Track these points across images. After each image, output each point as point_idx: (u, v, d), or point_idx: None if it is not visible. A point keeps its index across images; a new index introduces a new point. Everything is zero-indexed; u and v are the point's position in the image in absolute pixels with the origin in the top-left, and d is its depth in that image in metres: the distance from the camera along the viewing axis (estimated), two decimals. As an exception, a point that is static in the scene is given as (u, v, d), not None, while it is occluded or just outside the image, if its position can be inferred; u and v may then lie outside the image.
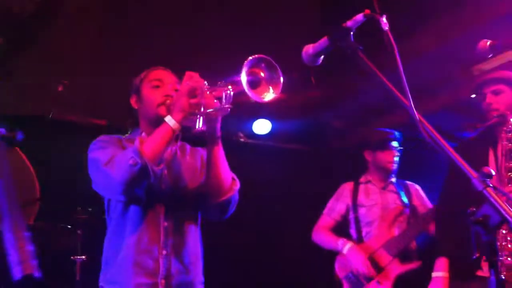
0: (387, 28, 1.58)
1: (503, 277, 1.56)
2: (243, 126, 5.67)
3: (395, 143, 4.21)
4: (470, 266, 3.07)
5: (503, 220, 1.29)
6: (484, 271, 3.04)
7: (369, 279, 3.93)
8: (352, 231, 4.20)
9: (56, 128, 4.44)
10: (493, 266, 1.31)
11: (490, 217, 1.31)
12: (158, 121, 2.38)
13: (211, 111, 2.25)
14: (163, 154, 2.34)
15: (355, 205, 4.20)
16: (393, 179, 4.27)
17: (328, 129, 6.14)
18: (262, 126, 5.56)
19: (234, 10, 5.07)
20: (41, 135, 4.55)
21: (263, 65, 2.17)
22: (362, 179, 4.33)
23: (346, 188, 4.33)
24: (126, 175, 2.21)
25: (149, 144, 2.26)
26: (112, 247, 2.45)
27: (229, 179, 2.46)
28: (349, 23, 1.69)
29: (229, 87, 2.20)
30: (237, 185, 2.51)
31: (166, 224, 2.41)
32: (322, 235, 4.25)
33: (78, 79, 4.65)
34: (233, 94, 2.19)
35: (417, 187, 4.33)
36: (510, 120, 2.89)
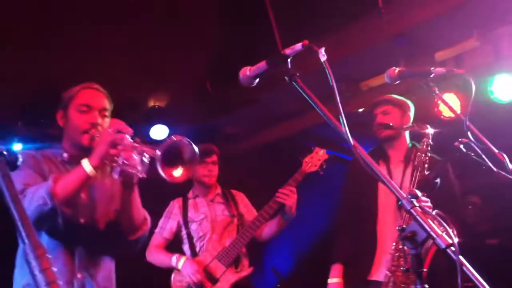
0: (325, 59, 1.72)
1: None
2: (140, 131, 5.63)
3: (210, 158, 4.31)
4: (362, 271, 3.35)
5: (428, 236, 1.48)
6: (376, 275, 3.34)
7: None
8: (186, 247, 4.26)
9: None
10: (419, 277, 1.49)
11: (417, 233, 1.50)
12: (80, 147, 2.42)
13: (128, 167, 2.29)
14: (76, 196, 2.34)
15: (186, 221, 4.28)
16: (219, 190, 4.42)
17: (220, 135, 6.24)
18: (159, 131, 5.56)
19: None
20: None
21: (188, 149, 2.23)
22: (190, 195, 4.42)
23: (175, 205, 4.39)
24: (35, 214, 2.21)
25: (62, 186, 2.26)
26: (24, 270, 2.40)
27: (140, 220, 2.53)
28: (287, 51, 1.82)
29: (146, 155, 2.24)
30: (148, 225, 2.58)
31: (81, 247, 2.43)
32: (155, 254, 4.27)
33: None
34: (148, 161, 2.25)
35: (242, 194, 4.53)
36: (428, 134, 3.23)
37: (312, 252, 6.04)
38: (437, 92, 2.33)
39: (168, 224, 4.30)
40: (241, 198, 4.45)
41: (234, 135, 6.10)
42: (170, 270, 4.19)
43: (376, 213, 3.40)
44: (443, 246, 1.44)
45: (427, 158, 3.24)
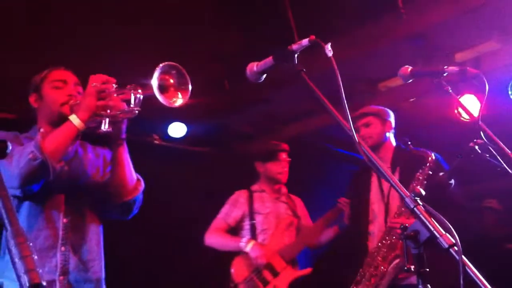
0: (331, 54, 1.70)
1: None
2: (158, 129, 5.66)
3: (284, 155, 4.41)
4: None
5: (431, 235, 1.45)
6: None
7: (266, 282, 4.07)
8: (245, 239, 4.27)
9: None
10: (421, 276, 1.47)
11: (419, 233, 1.47)
12: (60, 120, 2.38)
13: (118, 114, 2.29)
14: (65, 152, 2.33)
15: (251, 212, 4.33)
16: (285, 191, 4.49)
17: (234, 134, 6.24)
18: (177, 129, 5.57)
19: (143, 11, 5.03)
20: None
21: (173, 72, 2.26)
22: (255, 188, 4.47)
23: (242, 195, 4.44)
24: (25, 169, 2.19)
25: (50, 140, 2.26)
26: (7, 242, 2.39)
27: (133, 180, 2.50)
28: (294, 46, 1.81)
29: (139, 90, 2.25)
30: (142, 185, 2.55)
31: (65, 220, 2.41)
32: (218, 236, 4.32)
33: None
34: (143, 97, 2.25)
35: (300, 200, 4.59)
36: (432, 161, 3.25)
37: (329, 249, 6.00)
38: (451, 92, 2.29)
39: (233, 212, 4.35)
40: (299, 203, 4.54)
41: (250, 133, 6.09)
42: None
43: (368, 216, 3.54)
44: (446, 245, 1.41)
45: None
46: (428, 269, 1.45)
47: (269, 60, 1.86)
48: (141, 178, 2.56)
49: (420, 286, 1.46)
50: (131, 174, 2.48)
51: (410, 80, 2.37)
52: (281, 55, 1.82)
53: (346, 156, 5.56)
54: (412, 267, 1.46)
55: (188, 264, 5.63)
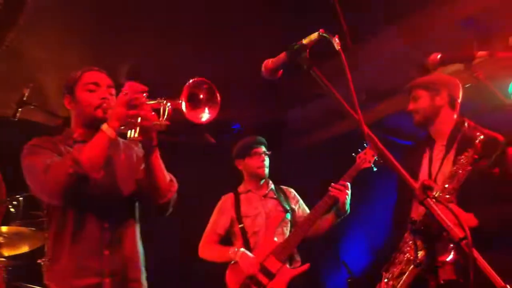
0: (339, 48, 1.67)
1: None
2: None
3: (260, 148, 4.27)
4: None
5: (442, 230, 1.40)
6: None
7: (263, 286, 3.94)
8: (239, 243, 4.18)
9: (22, 129, 4.43)
10: (433, 271, 1.42)
11: (430, 227, 1.42)
12: (94, 123, 2.45)
13: (148, 124, 2.32)
14: (102, 161, 2.37)
15: (239, 217, 4.21)
16: (272, 186, 4.33)
17: (287, 129, 6.22)
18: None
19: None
20: (8, 137, 4.54)
21: (204, 87, 2.28)
22: (241, 189, 4.35)
23: (228, 200, 4.32)
24: (65, 184, 2.25)
25: (87, 153, 2.31)
26: (55, 248, 2.49)
27: (166, 183, 2.53)
28: (305, 41, 1.79)
29: (168, 104, 2.27)
30: (175, 186, 2.58)
31: (106, 224, 2.48)
32: (210, 249, 4.23)
33: (44, 79, 4.65)
34: (171, 111, 2.27)
35: (292, 190, 4.43)
36: (478, 144, 2.94)
37: (386, 248, 5.89)
38: (481, 78, 2.19)
39: (221, 220, 4.26)
40: (291, 194, 4.40)
41: (301, 129, 6.06)
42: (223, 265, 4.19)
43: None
44: (456, 239, 1.36)
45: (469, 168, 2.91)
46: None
47: (282, 56, 1.85)
48: (174, 179, 2.60)
49: (432, 281, 1.41)
50: (164, 178, 2.52)
51: (441, 67, 2.28)
52: (293, 50, 1.81)
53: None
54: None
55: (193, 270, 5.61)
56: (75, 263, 2.42)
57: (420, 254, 1.99)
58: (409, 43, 4.90)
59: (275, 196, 4.29)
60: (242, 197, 4.29)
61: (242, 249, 4.04)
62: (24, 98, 3.87)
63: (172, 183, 2.58)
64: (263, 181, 4.31)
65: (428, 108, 3.28)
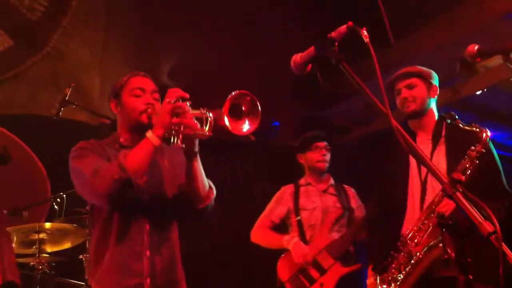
0: (367, 40, 1.65)
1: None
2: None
3: (321, 143, 4.23)
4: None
5: (471, 224, 1.37)
6: None
7: (313, 281, 3.93)
8: (294, 235, 4.15)
9: (65, 128, 4.55)
10: (462, 267, 1.38)
11: (459, 221, 1.39)
12: (139, 128, 2.50)
13: (190, 133, 2.35)
14: (147, 167, 2.42)
15: (297, 208, 4.19)
16: (332, 181, 4.30)
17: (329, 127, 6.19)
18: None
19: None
20: (51, 135, 4.67)
21: (246, 99, 2.27)
22: (302, 181, 4.33)
23: (287, 191, 4.31)
24: (111, 189, 2.32)
25: (132, 158, 2.36)
26: (99, 248, 2.54)
27: (205, 189, 2.57)
28: (333, 34, 1.77)
29: (210, 114, 2.29)
30: (213, 193, 2.61)
31: (148, 227, 2.52)
32: (263, 234, 4.23)
33: (87, 79, 4.77)
34: (213, 122, 2.27)
35: (353, 190, 4.37)
36: (484, 140, 2.88)
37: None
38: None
39: (277, 209, 4.27)
40: (353, 194, 4.35)
41: (343, 126, 6.02)
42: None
43: (405, 211, 3.10)
44: (485, 234, 1.32)
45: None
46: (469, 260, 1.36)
47: (311, 50, 1.84)
48: (213, 186, 2.64)
49: (461, 277, 1.37)
50: (204, 185, 2.56)
51: (478, 60, 2.22)
52: (322, 45, 1.79)
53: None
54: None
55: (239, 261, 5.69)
56: (117, 263, 2.48)
57: (448, 249, 1.96)
58: (453, 37, 4.81)
59: (334, 193, 4.27)
60: (302, 189, 4.28)
61: (296, 239, 4.05)
62: (67, 98, 3.96)
63: (211, 190, 2.61)
64: (323, 176, 4.29)
65: (425, 98, 3.16)
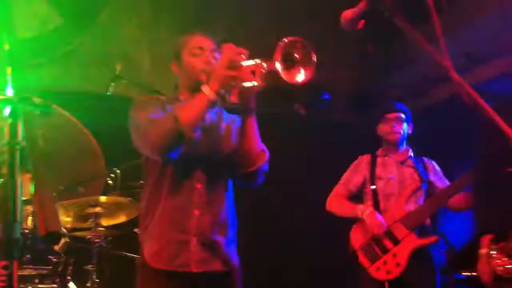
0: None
1: None
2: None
3: (392, 114, 4.18)
4: None
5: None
6: None
7: (386, 250, 3.91)
8: (369, 204, 4.12)
9: (117, 104, 4.59)
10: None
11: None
12: (198, 86, 2.46)
13: (246, 86, 2.32)
14: (200, 121, 2.43)
15: (373, 178, 4.16)
16: (411, 153, 4.23)
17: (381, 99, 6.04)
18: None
19: None
20: (103, 112, 4.73)
21: (298, 46, 2.22)
22: (379, 152, 4.29)
23: (364, 160, 4.29)
24: (163, 139, 2.35)
25: (186, 112, 2.37)
26: (151, 202, 2.58)
27: (258, 150, 2.55)
28: (386, -14, 1.68)
29: (264, 64, 2.25)
30: (266, 156, 2.58)
31: (199, 185, 2.54)
32: (338, 202, 4.23)
33: (136, 54, 4.80)
34: (267, 72, 2.24)
35: (434, 163, 4.27)
36: None
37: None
38: None
39: (354, 177, 4.27)
40: (432, 166, 4.26)
41: (396, 97, 5.84)
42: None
43: None
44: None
45: None
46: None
47: (362, 5, 1.75)
48: (266, 150, 2.60)
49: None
50: (257, 145, 2.54)
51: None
52: (374, -2, 1.70)
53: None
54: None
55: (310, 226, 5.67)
56: (167, 219, 2.51)
57: None
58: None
59: (412, 165, 4.20)
60: (379, 159, 4.26)
61: (370, 208, 4.02)
62: (117, 73, 3.99)
63: (263, 152, 2.58)
64: (402, 147, 4.24)
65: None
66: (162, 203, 2.53)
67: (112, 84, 4.00)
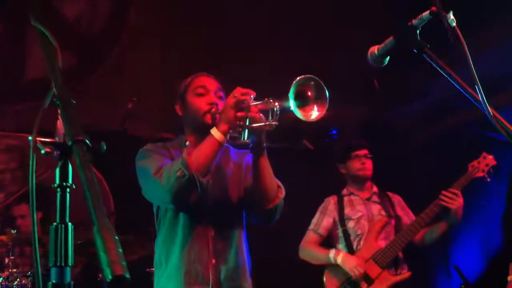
0: (454, 24, 1.56)
1: None
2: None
3: (361, 151, 4.19)
4: None
5: None
6: None
7: None
8: (341, 246, 4.10)
9: (128, 143, 4.59)
10: None
11: None
12: (203, 128, 2.45)
13: (256, 126, 2.30)
14: (210, 165, 2.38)
15: (342, 219, 4.13)
16: (375, 189, 4.24)
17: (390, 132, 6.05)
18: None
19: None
20: (114, 151, 4.72)
21: (311, 84, 2.22)
22: (344, 192, 4.28)
23: (331, 202, 4.25)
24: (174, 186, 2.29)
25: (195, 156, 2.32)
26: (163, 253, 2.53)
27: (274, 188, 2.50)
28: (414, 21, 1.68)
29: (276, 104, 2.23)
30: (283, 193, 2.54)
31: (213, 232, 2.48)
32: (310, 250, 4.16)
33: (148, 94, 4.82)
34: (280, 111, 2.23)
35: (399, 197, 4.29)
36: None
37: (503, 252, 5.52)
38: None
39: (324, 221, 4.20)
40: (398, 200, 4.27)
41: (404, 130, 5.86)
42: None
43: None
44: None
45: None
46: None
47: (389, 41, 1.75)
48: (281, 186, 2.57)
49: None
50: (272, 183, 2.49)
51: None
52: (402, 33, 1.70)
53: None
54: None
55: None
56: (182, 269, 2.45)
57: None
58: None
59: (378, 200, 4.21)
60: (346, 199, 4.23)
61: (343, 253, 3.99)
62: (129, 111, 4.00)
63: (280, 189, 2.54)
64: (366, 184, 4.24)
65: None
66: (177, 254, 2.47)
67: (125, 120, 3.99)
